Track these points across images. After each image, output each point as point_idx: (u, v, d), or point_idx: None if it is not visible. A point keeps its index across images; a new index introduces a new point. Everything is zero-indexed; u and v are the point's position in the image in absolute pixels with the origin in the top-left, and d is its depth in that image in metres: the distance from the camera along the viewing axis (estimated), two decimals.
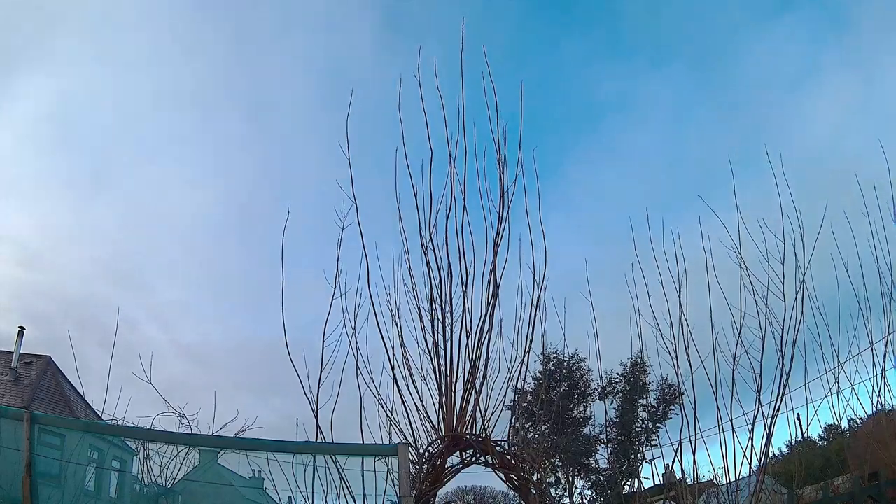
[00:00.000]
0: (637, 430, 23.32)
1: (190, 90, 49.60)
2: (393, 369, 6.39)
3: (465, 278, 6.43)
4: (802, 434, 10.73)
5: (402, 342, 6.50)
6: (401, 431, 6.26)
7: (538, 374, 17.18)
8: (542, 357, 7.62)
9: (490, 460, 6.27)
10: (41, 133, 51.72)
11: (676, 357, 7.23)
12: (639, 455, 22.08)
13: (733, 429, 6.93)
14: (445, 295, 6.42)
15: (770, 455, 7.24)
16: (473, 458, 6.29)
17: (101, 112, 52.96)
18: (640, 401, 22.93)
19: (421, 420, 6.30)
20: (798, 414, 7.86)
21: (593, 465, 24.38)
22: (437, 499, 6.63)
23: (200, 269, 53.61)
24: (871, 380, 7.76)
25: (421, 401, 6.33)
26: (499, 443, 6.32)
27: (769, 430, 6.85)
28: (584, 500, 24.82)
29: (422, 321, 6.49)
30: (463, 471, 6.42)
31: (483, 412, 6.22)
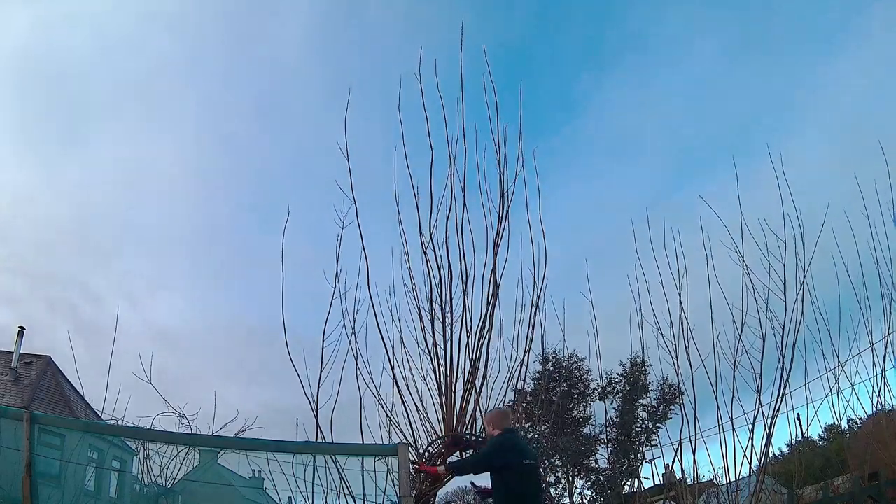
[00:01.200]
0: (637, 430, 23.28)
1: (176, 12, 45.61)
2: (393, 369, 6.40)
3: (465, 278, 6.43)
4: (802, 434, 10.73)
5: (402, 342, 6.51)
6: (401, 431, 6.26)
7: (538, 374, 17.21)
8: (541, 357, 7.62)
9: None
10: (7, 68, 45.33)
11: (677, 357, 7.25)
12: (639, 455, 22.07)
13: (733, 429, 6.94)
14: (445, 295, 6.43)
15: (770, 455, 7.25)
16: None
17: (77, 39, 47.41)
18: (640, 401, 22.89)
19: (421, 420, 6.31)
20: (798, 414, 7.87)
21: (593, 465, 24.35)
22: (436, 499, 6.62)
23: (179, 234, 49.43)
24: (871, 380, 7.78)
25: (421, 401, 6.34)
26: None
27: (769, 430, 6.86)
28: (584, 500, 24.79)
29: (422, 321, 6.49)
30: None
31: (483, 412, 6.21)
